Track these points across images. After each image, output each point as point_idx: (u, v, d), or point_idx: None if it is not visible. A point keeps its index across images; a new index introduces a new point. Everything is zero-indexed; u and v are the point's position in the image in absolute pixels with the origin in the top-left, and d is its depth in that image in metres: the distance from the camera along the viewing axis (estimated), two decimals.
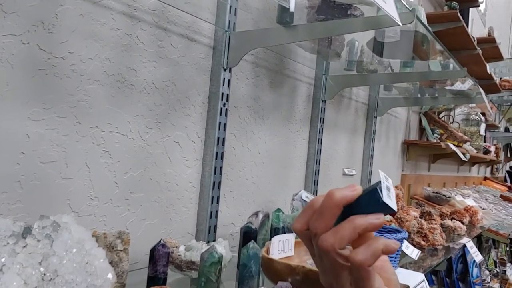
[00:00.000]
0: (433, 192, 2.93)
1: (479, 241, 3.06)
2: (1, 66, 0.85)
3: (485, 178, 5.35)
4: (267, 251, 1.06)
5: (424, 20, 1.35)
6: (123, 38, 1.08)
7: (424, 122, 3.01)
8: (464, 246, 2.52)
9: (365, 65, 1.81)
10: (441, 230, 1.76)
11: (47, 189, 0.94)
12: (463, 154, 3.19)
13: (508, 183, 5.61)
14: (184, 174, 1.28)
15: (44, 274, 0.71)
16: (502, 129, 6.06)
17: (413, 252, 1.52)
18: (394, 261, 1.28)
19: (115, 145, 1.08)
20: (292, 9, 1.23)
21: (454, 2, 2.94)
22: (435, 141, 2.94)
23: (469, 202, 2.79)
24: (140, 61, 1.12)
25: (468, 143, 3.55)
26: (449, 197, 2.87)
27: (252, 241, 0.95)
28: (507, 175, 6.50)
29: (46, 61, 0.92)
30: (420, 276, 1.27)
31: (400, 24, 0.88)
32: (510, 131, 6.58)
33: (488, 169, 5.92)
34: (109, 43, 1.04)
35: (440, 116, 3.41)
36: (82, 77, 0.99)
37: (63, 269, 0.73)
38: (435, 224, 1.81)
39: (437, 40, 1.35)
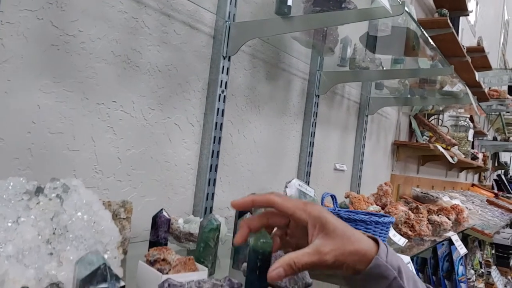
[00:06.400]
0: (422, 192, 3.00)
1: (465, 241, 3.13)
2: (17, 39, 0.90)
3: (473, 185, 5.45)
4: None
5: (415, 16, 1.43)
6: (130, 21, 1.13)
7: (414, 124, 3.10)
8: (451, 244, 2.59)
9: (357, 62, 1.89)
10: (428, 222, 1.82)
11: (55, 158, 0.99)
12: (451, 157, 3.27)
13: (495, 191, 5.72)
14: (183, 155, 1.33)
15: (55, 229, 0.76)
16: (490, 138, 6.19)
17: (400, 240, 1.58)
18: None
19: (119, 122, 1.13)
20: (289, 2, 1.30)
21: (445, 10, 3.05)
22: (424, 142, 3.02)
23: (456, 202, 2.87)
24: (145, 44, 1.18)
25: (456, 147, 3.65)
26: (436, 197, 2.95)
27: (248, 212, 1.01)
28: (494, 184, 6.61)
29: (58, 38, 0.97)
30: (407, 258, 1.33)
31: (391, 12, 0.95)
32: (498, 140, 6.71)
33: (476, 176, 6.04)
34: (117, 25, 1.10)
35: (430, 119, 3.50)
36: (91, 55, 1.05)
37: (73, 226, 0.78)
38: (422, 217, 1.88)
39: (424, 33, 1.42)
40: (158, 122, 1.24)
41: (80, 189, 0.84)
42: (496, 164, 7.07)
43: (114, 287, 0.44)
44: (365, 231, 1.23)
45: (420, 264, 2.69)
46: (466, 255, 3.05)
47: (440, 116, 3.71)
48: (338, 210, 1.46)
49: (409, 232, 1.71)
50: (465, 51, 3.69)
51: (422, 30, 1.40)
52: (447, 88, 2.59)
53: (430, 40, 1.53)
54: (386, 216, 1.37)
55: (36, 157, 0.95)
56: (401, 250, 1.56)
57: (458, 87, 2.50)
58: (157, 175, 1.25)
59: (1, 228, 0.71)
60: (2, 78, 0.88)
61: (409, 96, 2.48)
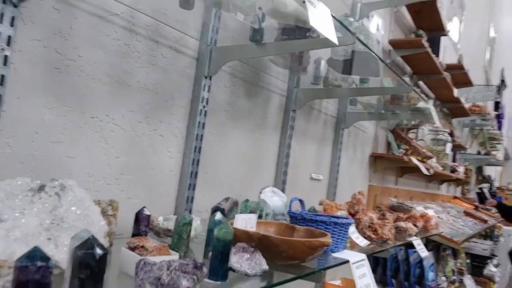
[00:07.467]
0: (397, 202, 3.19)
1: (438, 250, 3.32)
2: (26, 64, 1.09)
3: (455, 197, 5.65)
4: (231, 224, 1.29)
5: (373, 43, 1.63)
6: (122, 47, 1.32)
7: (390, 137, 3.30)
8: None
9: (330, 81, 2.09)
10: (392, 227, 2.00)
11: (54, 164, 1.17)
12: (427, 169, 3.47)
13: (477, 203, 5.92)
14: (167, 163, 1.51)
15: (54, 220, 0.94)
16: (472, 152, 6.40)
17: (362, 242, 1.76)
18: (341, 242, 1.52)
19: (110, 133, 1.31)
20: (262, 32, 1.49)
21: (420, 31, 3.27)
22: (400, 155, 3.22)
23: (429, 212, 3.06)
24: (135, 67, 1.37)
25: (434, 160, 3.85)
26: (411, 207, 3.14)
27: (218, 211, 1.19)
28: (476, 196, 6.81)
29: (61, 62, 1.16)
30: (362, 255, 1.51)
31: (337, 44, 1.14)
32: (482, 154, 6.93)
33: (459, 189, 6.23)
34: (111, 50, 1.29)
35: (408, 133, 3.70)
36: (88, 76, 1.23)
37: (68, 217, 0.96)
38: (388, 222, 2.06)
39: (378, 57, 1.61)
40: (145, 134, 1.43)
41: (75, 188, 1.02)
42: (480, 178, 7.29)
43: (100, 252, 0.62)
44: (326, 231, 1.42)
45: (375, 265, 2.89)
46: (438, 262, 3.23)
47: (419, 130, 3.92)
48: (305, 213, 1.64)
49: (372, 235, 1.89)
50: (443, 68, 3.91)
51: (378, 56, 1.60)
52: (421, 104, 2.79)
53: (387, 64, 1.73)
54: (345, 218, 1.55)
55: (38, 162, 1.13)
56: (364, 251, 1.73)
57: (430, 104, 2.70)
58: (143, 180, 1.43)
59: (10, 217, 0.89)
60: (13, 96, 1.06)
61: (383, 111, 2.68)
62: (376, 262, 3.10)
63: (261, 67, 1.93)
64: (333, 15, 1.16)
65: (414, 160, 3.12)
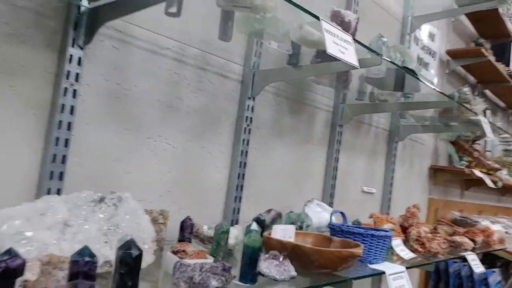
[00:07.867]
0: (460, 216, 3.08)
1: (507, 267, 3.13)
2: (93, 96, 1.30)
3: None
4: (269, 234, 1.40)
5: (411, 60, 1.66)
6: (173, 76, 1.51)
7: (450, 149, 3.20)
8: (487, 268, 2.65)
9: (376, 96, 2.13)
10: (442, 241, 1.98)
11: (114, 178, 1.37)
12: (495, 182, 3.31)
13: None
14: (214, 177, 1.67)
15: (111, 226, 1.12)
16: None
17: (406, 254, 1.78)
18: (380, 253, 1.56)
19: (163, 151, 1.49)
20: (297, 56, 1.61)
21: (481, 39, 3.16)
22: (462, 167, 3.11)
23: (493, 227, 2.91)
24: (185, 92, 1.55)
25: (504, 172, 3.64)
26: (475, 221, 3.01)
27: (254, 222, 1.31)
28: None
29: (120, 92, 1.37)
30: (402, 268, 1.53)
31: (358, 67, 1.22)
32: None
33: None
34: (163, 79, 1.48)
35: (473, 144, 3.55)
36: (143, 103, 1.43)
37: (123, 224, 1.13)
38: (439, 236, 2.04)
39: (411, 74, 1.64)
40: (194, 151, 1.60)
41: (129, 200, 1.20)
42: None
43: (136, 252, 0.77)
44: (363, 242, 1.48)
45: (437, 281, 2.79)
46: (506, 280, 3.05)
47: (481, 141, 3.74)
48: (347, 226, 1.70)
49: (420, 249, 1.89)
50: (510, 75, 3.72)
51: (411, 72, 1.63)
52: (479, 116, 2.71)
53: (420, 79, 1.75)
54: (383, 231, 1.59)
55: (101, 177, 1.34)
56: (407, 262, 1.75)
57: (481, 116, 2.60)
58: (192, 192, 1.60)
59: (75, 224, 1.08)
60: (82, 123, 1.28)
61: (438, 123, 2.64)
62: (438, 278, 3.01)
63: (305, 86, 2.03)
64: (356, 39, 1.24)
65: (477, 173, 3.01)
